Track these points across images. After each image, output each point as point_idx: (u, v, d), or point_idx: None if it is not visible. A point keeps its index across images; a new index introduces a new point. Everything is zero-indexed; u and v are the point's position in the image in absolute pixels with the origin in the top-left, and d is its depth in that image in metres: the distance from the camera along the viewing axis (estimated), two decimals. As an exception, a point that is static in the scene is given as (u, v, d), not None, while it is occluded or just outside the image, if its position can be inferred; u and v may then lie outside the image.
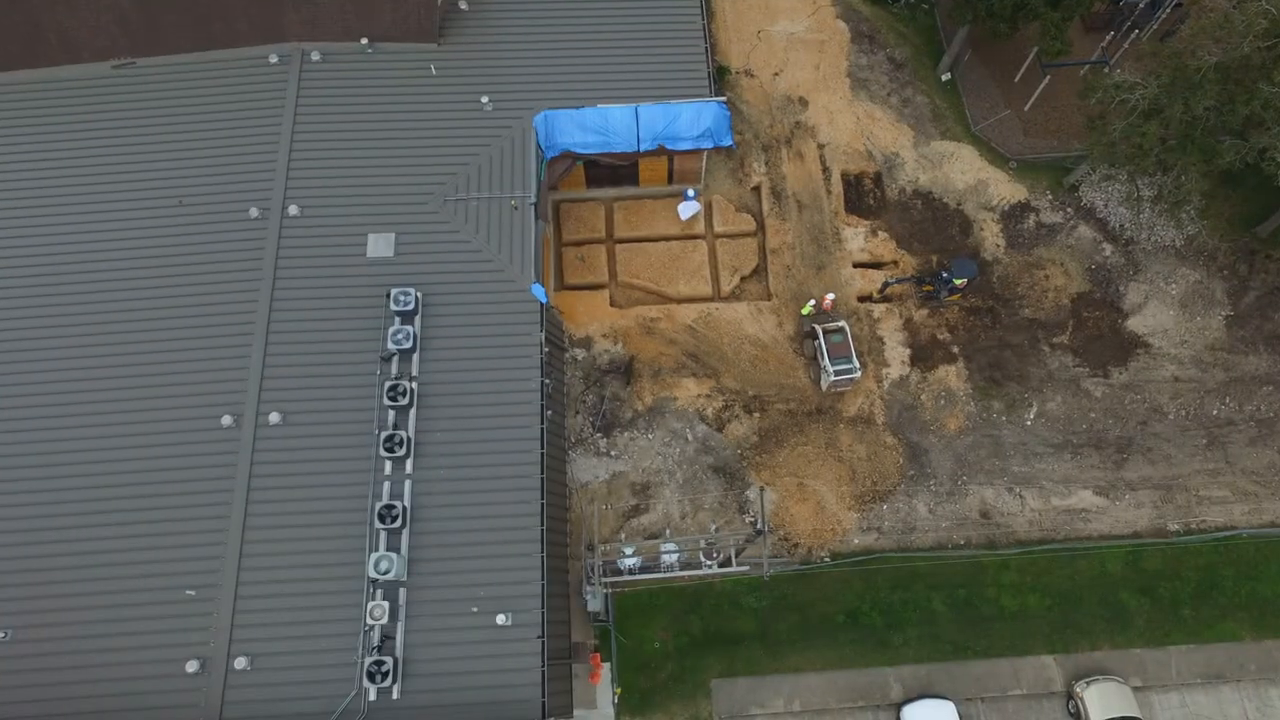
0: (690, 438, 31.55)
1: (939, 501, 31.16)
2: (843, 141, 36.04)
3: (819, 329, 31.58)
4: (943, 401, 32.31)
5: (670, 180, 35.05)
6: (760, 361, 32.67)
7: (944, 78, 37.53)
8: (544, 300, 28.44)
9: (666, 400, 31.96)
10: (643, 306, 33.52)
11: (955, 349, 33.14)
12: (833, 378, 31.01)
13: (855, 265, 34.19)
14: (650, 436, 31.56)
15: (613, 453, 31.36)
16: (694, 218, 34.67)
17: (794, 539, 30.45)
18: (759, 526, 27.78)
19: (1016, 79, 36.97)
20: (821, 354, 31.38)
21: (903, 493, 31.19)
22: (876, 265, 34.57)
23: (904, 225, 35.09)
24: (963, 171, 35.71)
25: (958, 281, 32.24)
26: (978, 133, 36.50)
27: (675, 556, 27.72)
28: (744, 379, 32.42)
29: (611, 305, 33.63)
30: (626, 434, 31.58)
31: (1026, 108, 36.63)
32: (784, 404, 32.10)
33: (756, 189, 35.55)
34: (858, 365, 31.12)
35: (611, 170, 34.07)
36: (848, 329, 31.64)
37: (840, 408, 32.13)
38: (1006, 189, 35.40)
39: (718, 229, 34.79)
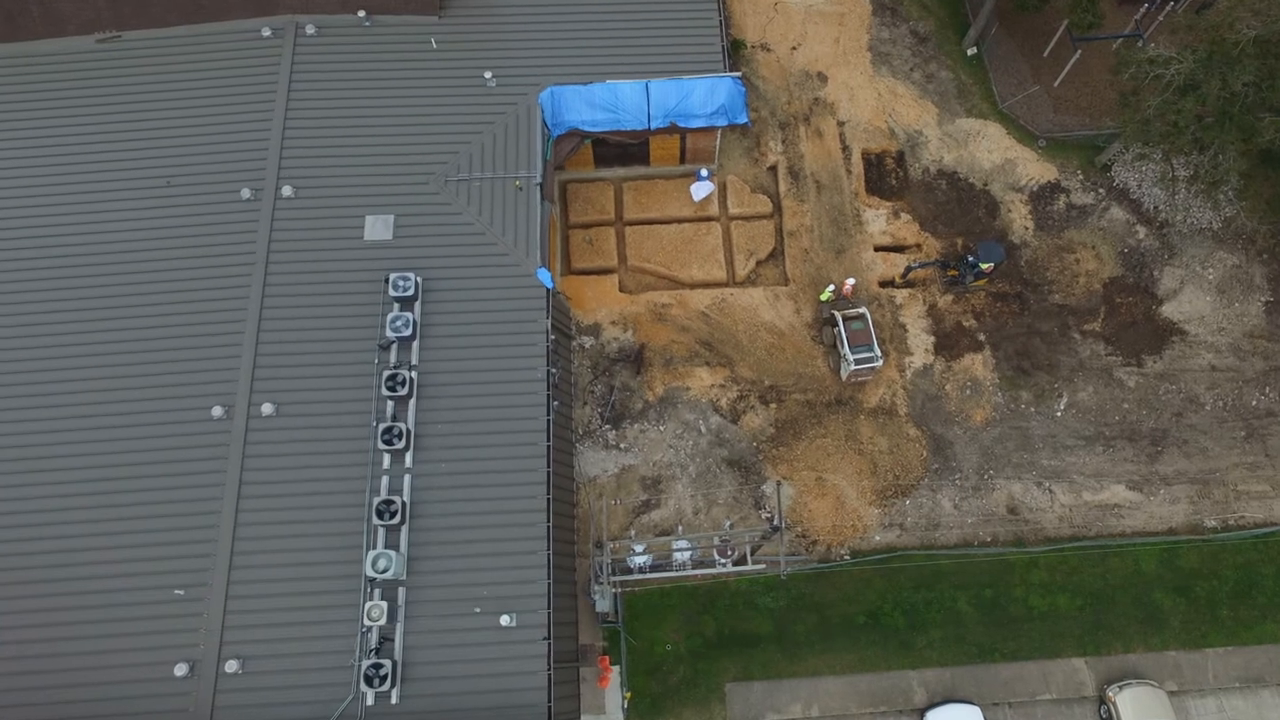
0: (703, 430, 30.16)
1: (965, 496, 29.71)
2: (863, 119, 34.41)
3: (839, 315, 30.09)
4: (968, 391, 30.81)
5: (682, 160, 33.50)
6: (777, 350, 31.21)
7: (970, 52, 35.80)
8: (550, 285, 27.05)
9: (679, 390, 30.56)
10: (654, 292, 32.07)
11: (981, 337, 31.60)
12: (853, 366, 29.52)
13: (876, 249, 32.66)
14: (661, 428, 30.18)
15: (622, 445, 30.00)
16: (707, 199, 33.15)
17: (812, 536, 29.06)
18: (775, 523, 26.38)
19: (1046, 53, 35.23)
20: (841, 342, 29.88)
21: (926, 487, 29.74)
22: (899, 249, 33.01)
23: (928, 206, 33.51)
24: (989, 150, 34.06)
25: (984, 266, 30.69)
26: (1005, 110, 34.80)
27: (688, 554, 26.38)
28: (760, 368, 30.99)
29: (621, 291, 32.20)
30: (637, 426, 30.19)
31: (1056, 84, 34.90)
32: (802, 394, 30.65)
33: (773, 169, 33.99)
34: (879, 353, 29.61)
35: (621, 149, 32.55)
36: (869, 316, 30.13)
37: (861, 398, 30.65)
38: (1035, 169, 33.74)
39: (732, 210, 33.27)
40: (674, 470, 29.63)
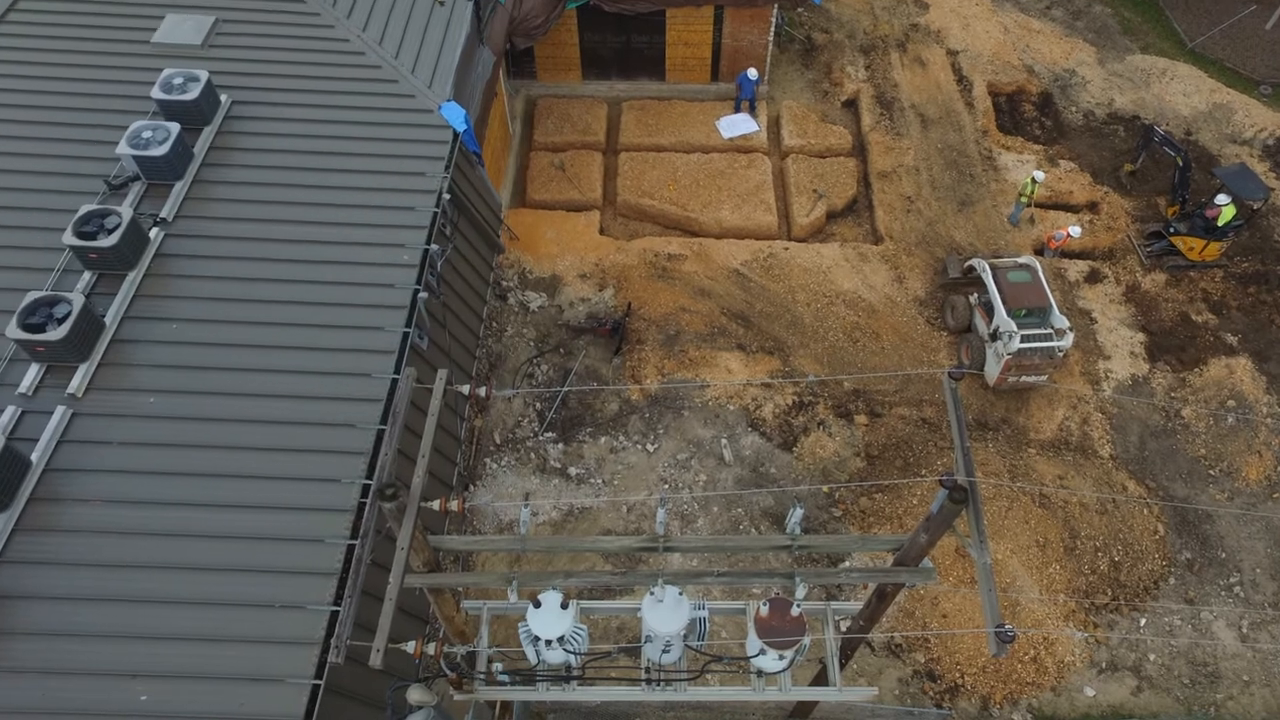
0: (728, 456, 16.16)
1: (1257, 621, 14.72)
2: (985, 51, 23.43)
3: (985, 264, 16.97)
4: (1227, 424, 16.71)
5: (715, 74, 22.33)
6: (865, 333, 17.85)
7: (1132, -11, 25.60)
8: (461, 127, 14.76)
9: (686, 385, 16.97)
10: (654, 238, 19.50)
11: (1230, 338, 18.05)
12: (1017, 345, 15.86)
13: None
14: (651, 447, 16.25)
15: (573, 470, 15.94)
16: (745, 137, 21.43)
17: (951, 676, 13.93)
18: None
19: (1249, -14, 24.71)
20: (990, 310, 16.58)
21: (1176, 594, 14.88)
22: (1061, 206, 20.48)
23: (1101, 155, 21.44)
24: (1185, 94, 22.50)
25: (1226, 211, 18.01)
26: (1197, 49, 23.71)
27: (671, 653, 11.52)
28: (835, 360, 17.48)
29: (602, 234, 19.72)
30: (604, 439, 16.32)
31: (1269, 24, 24.01)
32: (910, 408, 16.81)
33: (851, 102, 22.57)
34: (1066, 324, 16.09)
35: (623, 43, 21.59)
36: (1039, 267, 16.99)
37: (1025, 421, 16.69)
38: (1266, 117, 21.87)
39: (789, 142, 21.42)
40: (670, 521, 15.24)
